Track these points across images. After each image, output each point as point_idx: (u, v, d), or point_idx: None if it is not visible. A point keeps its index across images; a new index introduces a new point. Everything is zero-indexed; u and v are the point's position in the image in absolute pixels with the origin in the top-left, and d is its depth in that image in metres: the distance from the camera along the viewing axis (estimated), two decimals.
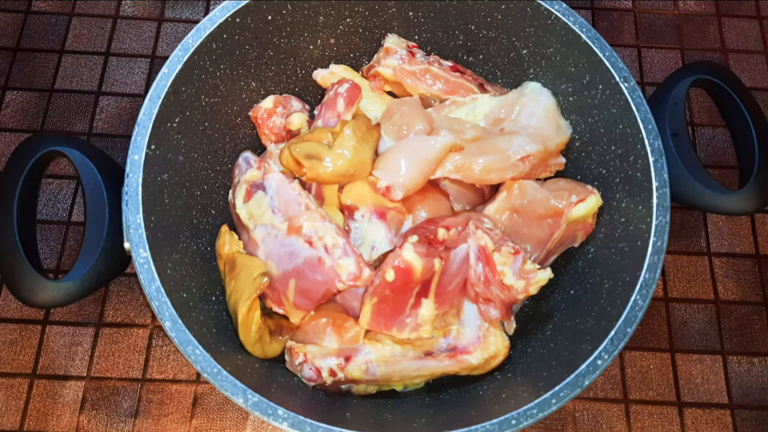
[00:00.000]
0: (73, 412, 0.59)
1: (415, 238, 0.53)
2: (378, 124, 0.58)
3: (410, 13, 0.62)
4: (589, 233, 0.57)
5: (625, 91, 0.53)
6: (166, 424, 0.59)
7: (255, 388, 0.45)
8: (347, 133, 0.55)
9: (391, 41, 0.63)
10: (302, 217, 0.54)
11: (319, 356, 0.53)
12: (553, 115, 0.60)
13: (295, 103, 0.63)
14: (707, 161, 0.71)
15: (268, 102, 0.62)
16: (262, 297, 0.55)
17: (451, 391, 0.55)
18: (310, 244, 0.53)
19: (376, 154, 0.58)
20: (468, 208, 0.60)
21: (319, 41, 0.62)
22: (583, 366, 0.46)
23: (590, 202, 0.55)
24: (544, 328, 0.56)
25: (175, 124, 0.53)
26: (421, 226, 0.55)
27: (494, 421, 0.44)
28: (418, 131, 0.57)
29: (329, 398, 0.53)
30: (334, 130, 0.58)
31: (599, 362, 0.46)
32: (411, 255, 0.52)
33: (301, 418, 0.44)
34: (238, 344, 0.53)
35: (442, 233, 0.54)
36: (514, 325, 0.57)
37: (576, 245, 0.59)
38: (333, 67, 0.64)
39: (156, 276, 0.47)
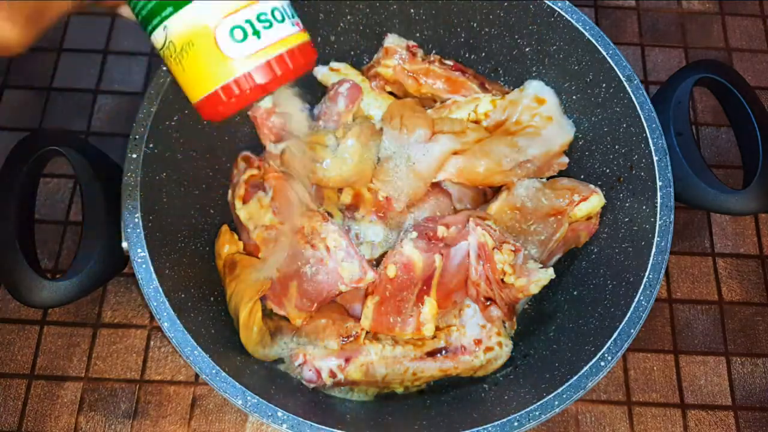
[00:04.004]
0: (71, 413, 0.59)
1: (414, 234, 0.53)
2: (381, 129, 0.58)
3: (411, 11, 0.61)
4: (593, 233, 0.57)
5: (629, 90, 0.53)
6: (165, 425, 0.58)
7: (254, 389, 0.44)
8: (351, 140, 0.55)
9: (392, 41, 0.62)
10: (303, 219, 0.54)
11: (319, 357, 0.52)
12: (556, 115, 0.59)
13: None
14: (711, 161, 0.71)
15: (267, 101, 0.61)
16: (262, 298, 0.54)
17: (453, 392, 0.54)
18: (312, 245, 0.53)
19: (378, 158, 0.58)
20: (470, 207, 0.59)
21: (319, 38, 0.62)
22: (587, 367, 0.46)
23: (593, 201, 0.55)
24: (546, 330, 0.55)
25: (173, 123, 0.53)
26: (421, 224, 0.55)
27: (496, 423, 0.44)
28: (418, 135, 0.57)
29: (329, 400, 0.53)
30: (336, 132, 0.58)
31: (602, 364, 0.46)
32: (411, 250, 0.52)
33: (301, 420, 0.44)
34: (237, 345, 0.52)
35: (441, 231, 0.54)
36: (516, 326, 0.56)
37: (579, 245, 0.58)
38: (333, 64, 0.63)
39: (154, 276, 0.47)
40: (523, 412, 0.44)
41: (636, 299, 0.48)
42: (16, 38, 0.33)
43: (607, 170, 0.57)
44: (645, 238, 0.50)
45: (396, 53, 0.61)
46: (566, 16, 0.55)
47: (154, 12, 0.36)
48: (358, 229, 0.58)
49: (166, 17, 0.36)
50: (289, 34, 0.37)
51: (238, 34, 0.36)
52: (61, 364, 0.60)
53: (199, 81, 0.37)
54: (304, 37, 0.39)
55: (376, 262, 0.56)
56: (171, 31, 0.36)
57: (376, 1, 0.60)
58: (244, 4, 0.36)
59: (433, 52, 0.64)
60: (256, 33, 0.36)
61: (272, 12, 0.37)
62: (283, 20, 0.37)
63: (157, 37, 0.37)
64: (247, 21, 0.36)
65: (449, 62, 0.63)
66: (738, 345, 0.64)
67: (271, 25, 0.36)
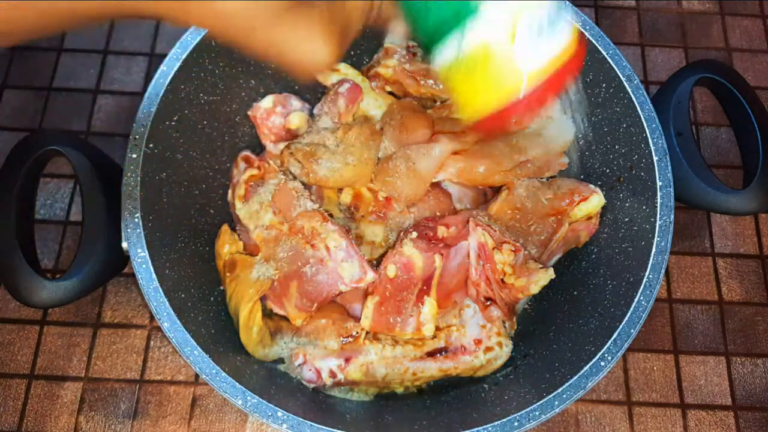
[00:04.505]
0: (71, 413, 0.59)
1: (414, 234, 0.53)
2: (381, 130, 0.58)
3: None
4: (593, 233, 0.57)
5: (629, 90, 0.53)
6: (165, 425, 0.58)
7: (254, 389, 0.45)
8: (351, 140, 0.55)
9: (392, 41, 0.62)
10: (303, 218, 0.54)
11: (319, 357, 0.52)
12: (556, 115, 0.59)
13: (295, 102, 0.63)
14: (711, 161, 0.71)
15: (267, 101, 0.61)
16: (262, 298, 0.54)
17: (453, 392, 0.54)
18: (312, 245, 0.53)
19: (378, 158, 0.58)
20: (470, 207, 0.59)
21: None
22: (587, 367, 0.46)
23: (593, 201, 0.55)
24: (546, 329, 0.55)
25: (173, 123, 0.53)
26: (421, 224, 0.55)
27: (496, 423, 0.44)
28: (418, 135, 0.57)
29: (329, 400, 0.53)
30: (337, 132, 0.58)
31: (602, 364, 0.46)
32: (411, 250, 0.52)
33: (301, 420, 0.44)
34: (237, 345, 0.52)
35: (441, 231, 0.54)
36: (515, 326, 0.56)
37: (579, 245, 0.58)
38: None
39: (154, 276, 0.47)
40: (523, 412, 0.44)
41: (636, 299, 0.48)
42: (327, 57, 0.32)
43: (607, 170, 0.57)
44: (645, 238, 0.50)
45: (396, 53, 0.61)
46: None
47: (452, 18, 0.32)
48: (358, 229, 0.58)
49: (465, 22, 0.32)
50: (568, 37, 0.34)
51: (532, 38, 0.32)
52: (61, 364, 0.60)
53: (491, 95, 0.34)
54: (576, 32, 0.35)
55: (376, 262, 0.56)
56: (467, 42, 0.32)
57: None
58: (539, 3, 0.32)
59: None
60: (547, 36, 0.33)
61: (557, 12, 0.33)
62: (560, 21, 0.33)
63: (448, 52, 0.33)
64: (541, 23, 0.32)
65: None
66: (738, 345, 0.63)
67: (556, 27, 0.33)
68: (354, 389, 0.54)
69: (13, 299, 0.50)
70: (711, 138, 0.72)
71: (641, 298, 0.48)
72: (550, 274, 0.52)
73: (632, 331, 0.47)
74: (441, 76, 0.35)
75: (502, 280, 0.52)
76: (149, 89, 0.51)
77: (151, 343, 0.61)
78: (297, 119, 0.61)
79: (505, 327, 0.55)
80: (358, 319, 0.54)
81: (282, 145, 0.60)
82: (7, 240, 0.49)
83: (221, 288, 0.56)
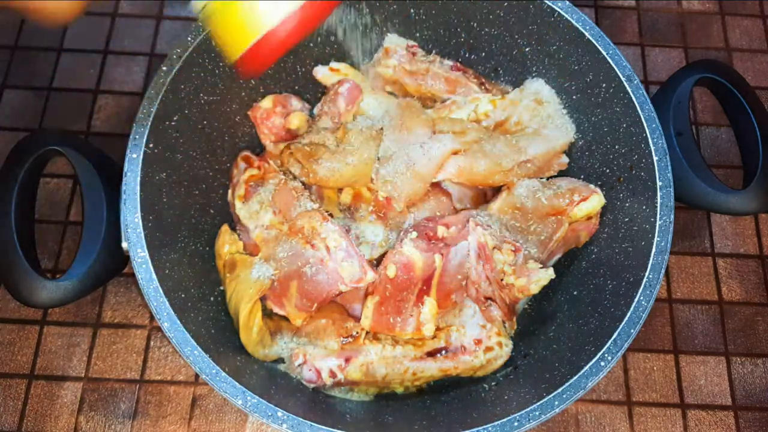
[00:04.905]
0: (71, 413, 0.59)
1: (414, 234, 0.53)
2: (381, 130, 0.58)
3: (411, 11, 0.61)
4: (593, 233, 0.57)
5: (629, 90, 0.53)
6: (165, 425, 0.58)
7: (254, 389, 0.45)
8: (351, 140, 0.55)
9: (392, 41, 0.62)
10: (303, 218, 0.54)
11: (319, 357, 0.52)
12: (556, 115, 0.59)
13: (295, 102, 0.63)
14: (711, 161, 0.71)
15: (267, 102, 0.61)
16: (262, 298, 0.54)
17: (453, 392, 0.54)
18: (312, 245, 0.53)
19: (378, 158, 0.58)
20: (470, 207, 0.59)
21: (319, 39, 0.62)
22: (587, 367, 0.46)
23: (593, 201, 0.55)
24: (546, 330, 0.55)
25: (173, 123, 0.53)
26: (421, 224, 0.55)
27: (496, 423, 0.44)
28: (418, 135, 0.57)
29: (329, 400, 0.53)
30: (337, 132, 0.58)
31: (603, 364, 0.46)
32: (411, 249, 0.52)
33: (301, 420, 0.44)
34: (237, 345, 0.52)
35: (441, 231, 0.54)
36: (515, 326, 0.56)
37: (579, 245, 0.58)
38: (333, 64, 0.63)
39: (154, 276, 0.47)
40: (523, 412, 0.44)
41: (636, 299, 0.48)
42: (69, 8, 0.36)
43: (607, 170, 0.57)
44: (645, 238, 0.50)
45: (396, 53, 0.61)
46: (566, 16, 0.55)
47: None
48: (358, 229, 0.58)
49: None
50: None
51: None
52: (61, 364, 0.60)
53: (239, 37, 0.39)
54: None
55: (376, 262, 0.56)
56: None
57: (376, 1, 0.60)
58: None
59: (433, 52, 0.64)
60: None
61: None
62: None
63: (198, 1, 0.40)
64: None
65: (449, 62, 0.63)
66: (738, 345, 0.63)
67: None
68: (354, 389, 0.54)
69: (13, 299, 0.50)
70: (711, 138, 0.72)
71: (641, 298, 0.48)
72: (550, 274, 0.52)
73: (632, 331, 0.47)
74: (202, 20, 0.41)
75: (501, 279, 0.52)
76: (149, 89, 0.51)
77: (151, 343, 0.61)
78: (297, 119, 0.62)
79: (505, 327, 0.55)
80: (358, 319, 0.54)
81: (282, 145, 0.60)
82: (7, 240, 0.49)
83: (221, 288, 0.56)
